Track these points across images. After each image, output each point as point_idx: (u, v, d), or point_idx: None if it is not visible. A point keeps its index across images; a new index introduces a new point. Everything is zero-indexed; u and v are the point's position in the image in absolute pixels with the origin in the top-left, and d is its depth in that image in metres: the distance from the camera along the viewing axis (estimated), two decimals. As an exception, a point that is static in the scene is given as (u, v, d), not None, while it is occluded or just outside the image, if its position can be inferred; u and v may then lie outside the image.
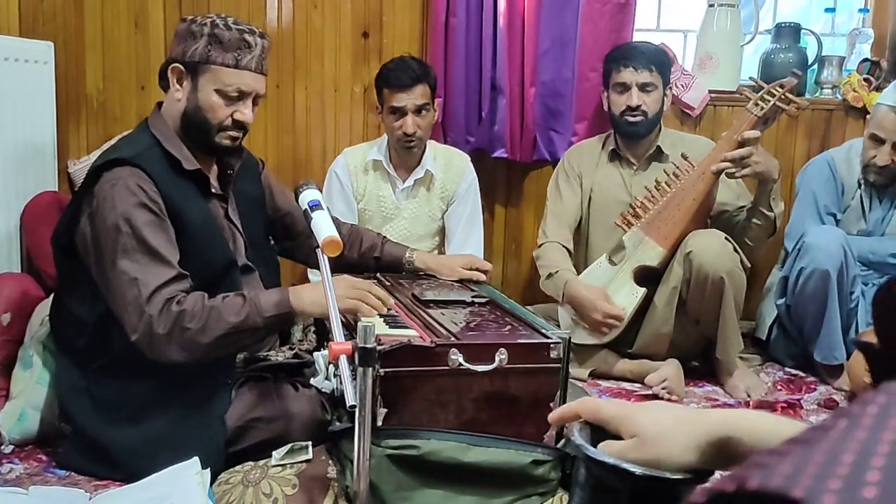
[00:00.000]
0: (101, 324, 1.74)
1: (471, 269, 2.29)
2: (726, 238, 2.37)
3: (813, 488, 0.35)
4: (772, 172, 2.37)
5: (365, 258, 2.29)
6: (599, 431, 0.87)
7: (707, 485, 0.41)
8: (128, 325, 1.65)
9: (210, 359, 1.70)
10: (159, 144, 1.80)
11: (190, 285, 1.70)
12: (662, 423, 0.80)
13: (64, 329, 1.84)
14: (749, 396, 2.40)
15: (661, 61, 2.60)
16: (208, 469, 1.61)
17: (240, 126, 1.83)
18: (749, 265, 2.44)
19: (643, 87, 2.55)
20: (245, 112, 1.81)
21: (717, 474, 0.78)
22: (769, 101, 2.39)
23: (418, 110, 2.50)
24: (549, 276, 2.56)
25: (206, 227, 1.80)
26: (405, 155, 2.61)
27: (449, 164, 2.72)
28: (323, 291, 1.63)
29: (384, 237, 2.37)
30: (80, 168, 2.80)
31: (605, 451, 0.80)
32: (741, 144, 2.35)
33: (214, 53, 1.76)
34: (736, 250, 2.37)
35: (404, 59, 2.56)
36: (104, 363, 1.77)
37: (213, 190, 1.89)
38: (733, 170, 2.35)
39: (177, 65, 1.80)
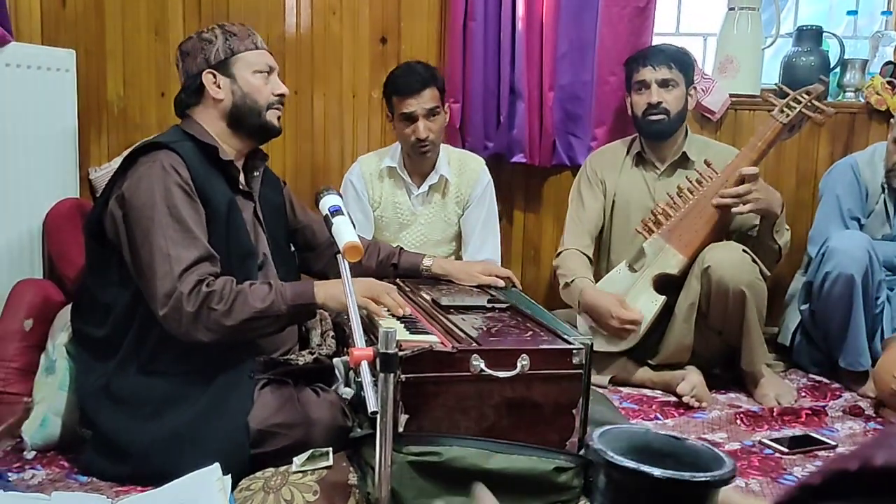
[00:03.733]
0: (127, 311, 1.78)
1: (489, 276, 2.29)
2: (744, 250, 2.34)
3: None
4: (773, 208, 2.36)
5: (383, 266, 2.30)
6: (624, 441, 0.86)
7: (821, 466, 0.39)
8: (157, 299, 1.69)
9: (234, 340, 1.75)
10: (193, 139, 1.87)
11: (219, 268, 1.75)
12: None
13: (86, 322, 1.87)
14: (779, 403, 2.36)
15: (681, 59, 2.57)
16: (229, 475, 1.61)
17: (282, 99, 1.96)
18: (769, 273, 2.41)
19: (663, 84, 2.53)
20: (282, 86, 1.96)
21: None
22: (795, 108, 2.36)
23: (428, 114, 2.48)
24: (566, 285, 2.54)
25: (231, 217, 1.84)
26: (420, 160, 2.59)
27: (463, 169, 2.70)
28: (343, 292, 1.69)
29: (401, 248, 2.38)
30: (101, 175, 2.82)
31: None
32: (741, 181, 2.33)
33: (235, 44, 1.90)
34: (754, 260, 2.34)
35: (410, 65, 2.54)
36: (125, 355, 1.79)
37: (242, 187, 1.94)
38: (734, 206, 2.33)
39: (208, 70, 1.89)
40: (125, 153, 1.89)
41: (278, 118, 1.96)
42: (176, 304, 1.68)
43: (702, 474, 0.78)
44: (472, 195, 2.69)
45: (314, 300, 1.77)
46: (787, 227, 2.50)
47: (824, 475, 0.37)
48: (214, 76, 1.89)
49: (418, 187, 2.65)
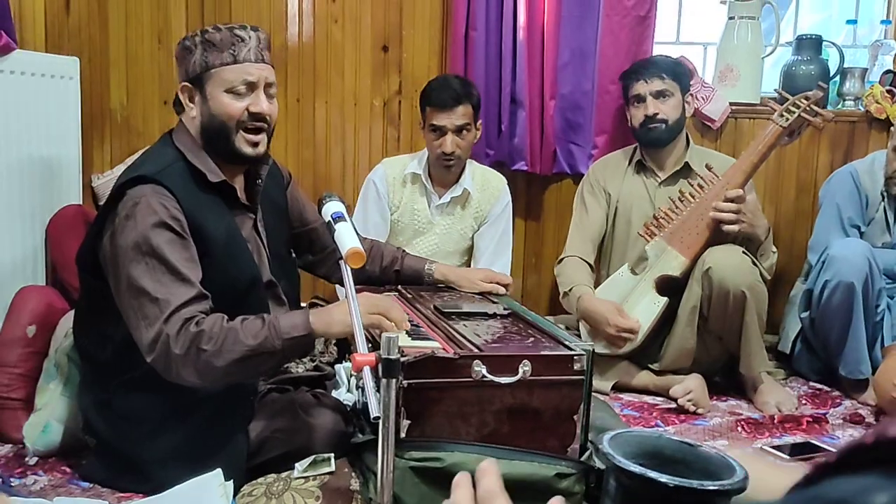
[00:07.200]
0: (126, 341, 1.70)
1: (490, 283, 2.29)
2: (744, 252, 2.35)
3: None
4: (757, 233, 2.39)
5: (386, 272, 2.29)
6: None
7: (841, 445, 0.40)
8: (144, 344, 1.60)
9: (227, 383, 1.65)
10: (184, 158, 1.77)
11: (210, 306, 1.65)
12: None
13: (87, 344, 1.83)
14: (780, 411, 2.36)
15: (673, 69, 2.62)
16: (231, 480, 1.61)
17: (258, 118, 1.77)
18: (769, 277, 2.42)
19: (658, 95, 2.58)
20: (259, 103, 1.77)
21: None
22: (794, 112, 2.38)
23: (459, 130, 2.52)
24: (565, 293, 2.56)
25: (230, 244, 1.76)
26: (444, 172, 2.63)
27: (486, 185, 2.73)
28: (344, 310, 1.59)
29: (404, 251, 2.37)
30: (104, 182, 2.82)
31: None
32: (729, 202, 2.35)
33: (211, 57, 1.75)
34: (755, 263, 2.35)
35: (448, 79, 2.59)
36: (127, 378, 1.75)
37: (241, 200, 1.86)
38: (728, 220, 2.35)
39: (185, 84, 1.80)
40: (119, 174, 1.79)
41: (254, 144, 1.78)
42: (163, 349, 1.57)
43: (711, 483, 0.77)
44: (490, 212, 2.72)
45: (311, 331, 1.61)
46: (775, 250, 2.51)
47: (840, 452, 0.38)
48: (191, 91, 1.79)
49: (440, 197, 2.67)
